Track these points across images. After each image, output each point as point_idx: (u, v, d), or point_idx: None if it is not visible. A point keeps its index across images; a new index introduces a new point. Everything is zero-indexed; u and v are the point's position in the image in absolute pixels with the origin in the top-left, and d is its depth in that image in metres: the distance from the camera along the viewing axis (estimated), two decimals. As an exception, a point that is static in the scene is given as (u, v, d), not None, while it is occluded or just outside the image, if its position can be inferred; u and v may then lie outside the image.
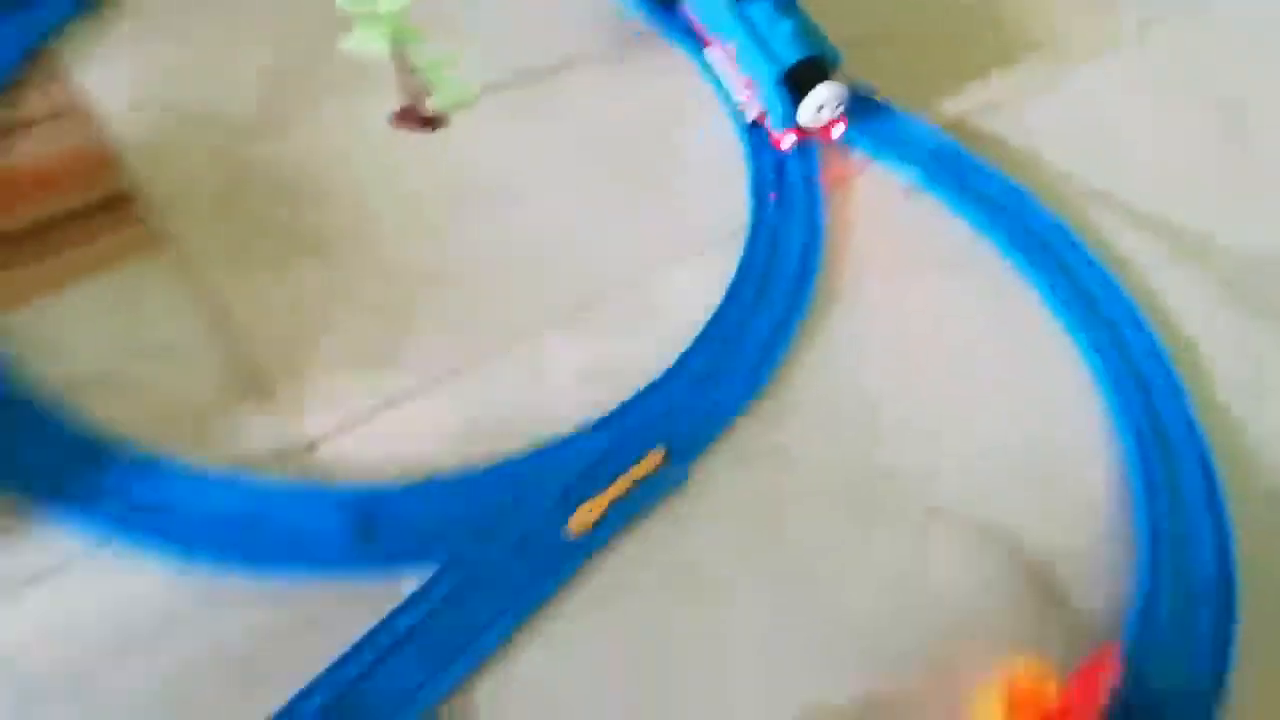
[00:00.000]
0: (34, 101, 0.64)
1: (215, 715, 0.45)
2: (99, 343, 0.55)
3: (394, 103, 0.66)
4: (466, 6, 0.74)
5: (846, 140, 0.68)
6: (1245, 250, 0.67)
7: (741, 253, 0.62)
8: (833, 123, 0.67)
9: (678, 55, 0.73)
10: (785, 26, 0.64)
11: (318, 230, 0.61)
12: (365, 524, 0.50)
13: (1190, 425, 0.57)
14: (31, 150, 0.62)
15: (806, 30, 0.65)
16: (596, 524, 0.51)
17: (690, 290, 0.61)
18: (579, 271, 0.61)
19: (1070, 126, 0.73)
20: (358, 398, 0.55)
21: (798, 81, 0.64)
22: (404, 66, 0.63)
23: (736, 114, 0.69)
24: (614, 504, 0.51)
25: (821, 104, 0.64)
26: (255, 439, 0.53)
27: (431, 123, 0.67)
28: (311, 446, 0.53)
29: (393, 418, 0.55)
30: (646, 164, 0.67)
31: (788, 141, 0.66)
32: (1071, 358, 0.61)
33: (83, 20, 0.69)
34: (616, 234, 0.64)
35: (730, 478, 0.54)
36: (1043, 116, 0.73)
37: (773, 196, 0.65)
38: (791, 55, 0.64)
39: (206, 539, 0.49)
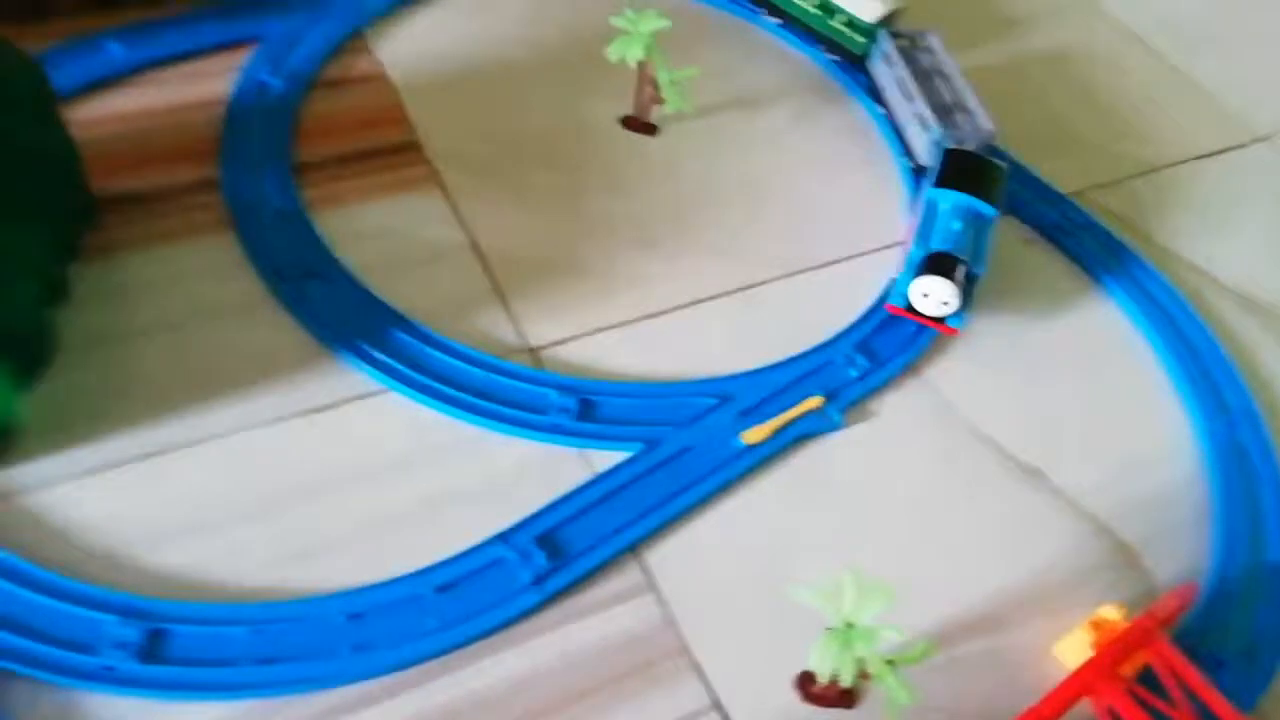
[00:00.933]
0: (353, 67, 0.82)
1: (453, 535, 0.57)
2: (389, 243, 0.70)
3: (627, 107, 0.82)
4: (704, 41, 0.90)
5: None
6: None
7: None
8: (941, 324, 0.70)
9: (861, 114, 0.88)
10: (956, 225, 0.69)
11: (553, 188, 0.76)
12: (584, 406, 0.63)
13: (1264, 442, 0.68)
14: (350, 102, 0.79)
15: (970, 239, 0.69)
16: (766, 440, 0.63)
17: (857, 279, 0.74)
18: (741, 252, 0.75)
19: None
20: (572, 318, 0.69)
21: (939, 270, 0.68)
22: (645, 77, 0.78)
23: (902, 164, 0.83)
24: (781, 429, 0.63)
25: (927, 292, 0.68)
26: (496, 334, 0.67)
27: (651, 129, 0.82)
28: (535, 349, 0.67)
29: (605, 338, 0.68)
30: (809, 196, 0.81)
31: (892, 310, 0.71)
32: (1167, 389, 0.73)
33: (396, 9, 0.86)
34: (782, 237, 0.77)
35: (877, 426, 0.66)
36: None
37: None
38: (938, 245, 0.69)
39: (460, 398, 0.62)
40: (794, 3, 0.91)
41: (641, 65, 0.77)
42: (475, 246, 0.72)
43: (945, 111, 0.81)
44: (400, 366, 0.63)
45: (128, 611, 0.51)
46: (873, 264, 0.76)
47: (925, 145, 0.80)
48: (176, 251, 0.67)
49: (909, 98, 0.82)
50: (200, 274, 0.66)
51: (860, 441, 0.66)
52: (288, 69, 0.79)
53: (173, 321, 0.64)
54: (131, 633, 0.50)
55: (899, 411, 0.68)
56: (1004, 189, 0.73)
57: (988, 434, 0.67)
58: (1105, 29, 1.04)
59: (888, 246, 0.77)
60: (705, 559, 0.59)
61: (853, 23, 0.87)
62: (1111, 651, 0.46)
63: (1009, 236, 0.80)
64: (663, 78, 0.77)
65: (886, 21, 0.87)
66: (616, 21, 0.75)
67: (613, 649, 0.55)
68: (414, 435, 0.61)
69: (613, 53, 0.76)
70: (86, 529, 0.54)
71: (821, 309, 0.72)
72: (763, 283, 0.73)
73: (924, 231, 0.70)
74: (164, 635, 0.50)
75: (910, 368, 0.70)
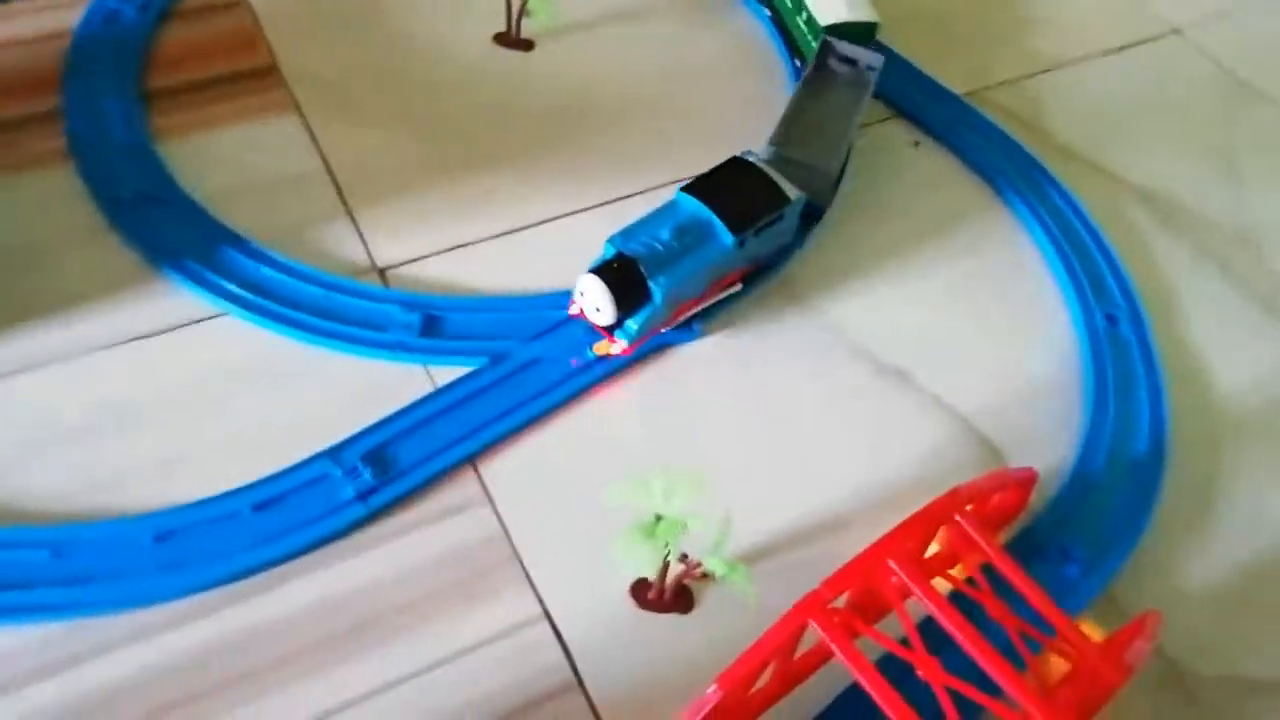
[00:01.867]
0: (209, -7, 0.79)
1: (286, 456, 0.55)
2: (241, 168, 0.68)
3: (497, 25, 0.79)
4: None
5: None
6: (1233, 227, 0.75)
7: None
8: (607, 333, 0.60)
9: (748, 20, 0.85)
10: (665, 234, 0.59)
11: (417, 112, 0.74)
12: (428, 323, 0.61)
13: (1145, 341, 0.65)
14: (208, 30, 0.76)
15: (674, 258, 0.59)
16: (611, 356, 0.61)
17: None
18: (616, 166, 0.73)
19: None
20: (425, 238, 0.67)
21: (605, 274, 0.58)
22: (507, -11, 0.76)
23: (791, 68, 0.80)
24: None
25: (584, 291, 0.59)
26: (345, 255, 0.65)
27: (527, 45, 0.79)
28: (383, 269, 0.65)
29: (451, 257, 0.66)
30: (692, 95, 0.78)
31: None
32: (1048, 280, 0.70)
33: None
34: (659, 142, 0.75)
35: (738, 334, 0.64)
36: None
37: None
38: (628, 246, 0.59)
39: (300, 319, 0.60)
40: None
41: (500, -24, 0.74)
42: (329, 170, 0.69)
43: None
44: (237, 289, 0.61)
45: (-73, 539, 0.49)
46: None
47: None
48: (8, 183, 0.65)
49: None
50: (36, 204, 0.64)
51: (720, 351, 0.63)
52: (141, -2, 0.76)
53: (9, 256, 0.62)
54: (-69, 559, 0.49)
55: (762, 319, 0.65)
56: (779, 220, 0.63)
57: (854, 338, 0.65)
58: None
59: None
60: (545, 473, 0.57)
61: (810, 22, 0.79)
62: (904, 528, 0.43)
63: (896, 139, 0.78)
64: (527, -8, 0.74)
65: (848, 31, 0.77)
66: (470, -70, 0.73)
67: (442, 562, 0.53)
68: (252, 358, 0.59)
69: (468, -36, 0.73)
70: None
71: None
72: (629, 196, 0.71)
73: (638, 225, 0.61)
74: (-36, 560, 0.49)
75: (778, 276, 0.67)
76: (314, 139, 0.71)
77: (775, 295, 0.67)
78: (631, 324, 0.59)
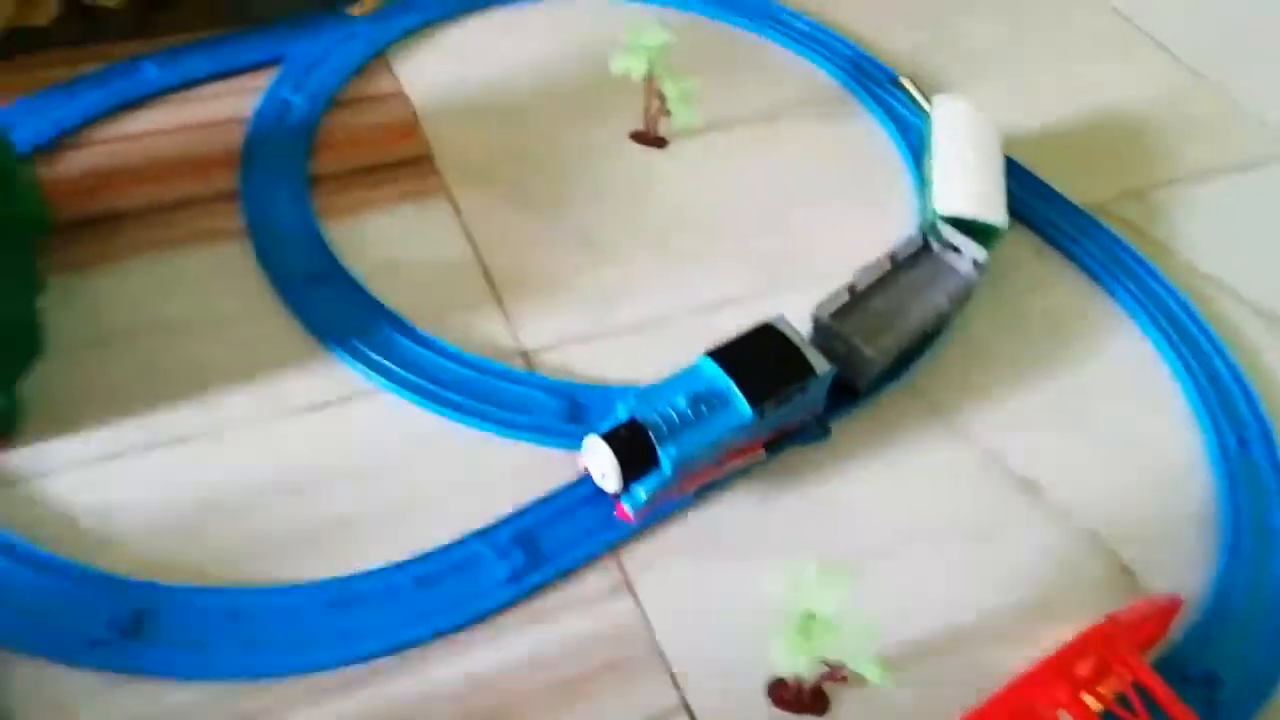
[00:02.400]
0: (373, 86, 0.85)
1: (438, 531, 0.58)
2: (396, 250, 0.72)
3: (636, 122, 0.83)
4: (720, 56, 0.91)
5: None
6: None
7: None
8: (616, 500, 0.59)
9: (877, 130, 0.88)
10: (681, 402, 0.58)
11: (558, 202, 0.78)
12: (573, 409, 0.64)
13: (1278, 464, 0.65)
14: (368, 119, 0.82)
15: (690, 429, 0.57)
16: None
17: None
18: (752, 265, 0.75)
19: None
20: (568, 325, 0.70)
21: (614, 439, 0.57)
22: (652, 91, 0.80)
23: (916, 175, 0.83)
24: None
25: (593, 451, 0.57)
26: (492, 338, 0.68)
27: (661, 143, 0.83)
28: (528, 354, 0.68)
29: (591, 345, 0.69)
30: (814, 208, 0.81)
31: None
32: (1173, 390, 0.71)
33: (417, 31, 0.90)
34: (780, 252, 0.77)
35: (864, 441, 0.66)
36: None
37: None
38: (642, 410, 0.58)
39: (452, 399, 0.64)
40: (930, 146, 0.80)
41: (648, 79, 0.78)
42: (479, 256, 0.73)
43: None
44: (394, 367, 0.65)
45: (117, 592, 0.53)
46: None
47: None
48: (191, 257, 0.70)
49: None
50: (211, 278, 0.69)
51: (850, 452, 0.65)
52: (309, 88, 0.82)
53: (181, 320, 0.67)
54: (120, 612, 0.52)
55: (893, 422, 0.67)
56: (801, 391, 0.61)
57: (985, 445, 0.66)
58: (1127, 33, 1.02)
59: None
60: (685, 563, 0.59)
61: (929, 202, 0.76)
62: (1065, 654, 0.44)
63: (1020, 246, 0.79)
64: (669, 91, 0.78)
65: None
66: (624, 35, 0.77)
67: (585, 648, 0.55)
68: (406, 434, 0.63)
69: (615, 66, 0.77)
70: (83, 514, 0.57)
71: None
72: (760, 296, 0.74)
73: (656, 388, 0.59)
74: (150, 615, 0.52)
75: (909, 381, 0.69)
76: (464, 225, 0.75)
77: (906, 398, 0.68)
78: (640, 491, 0.58)
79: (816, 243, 0.78)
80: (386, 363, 0.65)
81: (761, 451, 0.62)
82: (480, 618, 0.55)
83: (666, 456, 0.56)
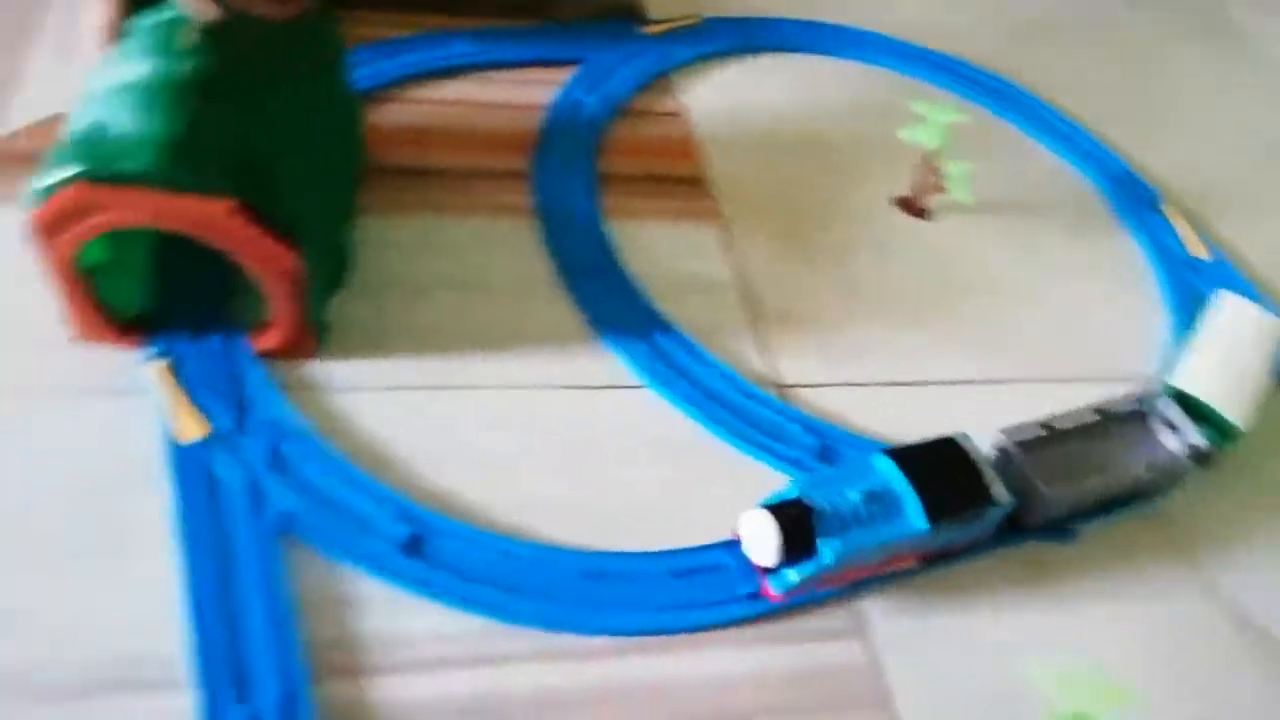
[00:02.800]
0: (657, 102, 0.89)
1: (682, 531, 0.60)
2: (666, 259, 0.76)
3: (903, 188, 0.86)
4: (989, 143, 0.93)
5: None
6: None
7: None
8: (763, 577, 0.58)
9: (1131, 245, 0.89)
10: (855, 496, 0.57)
11: (822, 247, 0.81)
12: (824, 449, 0.65)
13: None
14: (651, 132, 0.86)
15: (860, 524, 0.57)
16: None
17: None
18: (999, 350, 0.76)
19: None
20: (822, 368, 0.72)
21: (782, 515, 0.56)
22: (929, 165, 0.82)
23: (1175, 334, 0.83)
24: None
25: (756, 525, 0.56)
26: (747, 363, 0.71)
27: (924, 214, 0.85)
28: (781, 386, 0.70)
29: (844, 391, 0.71)
30: (1065, 310, 0.82)
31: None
32: None
33: (703, 60, 0.94)
34: (1036, 339, 0.78)
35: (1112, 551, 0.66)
36: None
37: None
38: (814, 496, 0.57)
39: (712, 410, 0.66)
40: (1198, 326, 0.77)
41: (930, 153, 0.81)
42: (742, 281, 0.76)
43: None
44: (661, 368, 0.67)
45: (401, 511, 0.56)
46: (1117, 392, 0.75)
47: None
48: (482, 224, 0.75)
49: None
50: (498, 247, 0.73)
51: (1091, 561, 0.65)
52: (602, 92, 0.87)
53: (470, 280, 0.71)
54: (401, 530, 0.55)
55: (1138, 545, 0.66)
56: (976, 518, 0.60)
57: (1229, 594, 0.65)
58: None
59: (1133, 380, 0.77)
60: (925, 621, 0.59)
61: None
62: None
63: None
64: (951, 168, 0.80)
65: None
66: (916, 107, 0.80)
67: (812, 680, 0.56)
68: (662, 432, 0.65)
69: (906, 135, 0.80)
70: (375, 432, 0.60)
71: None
72: (1011, 380, 0.74)
73: (829, 476, 0.59)
74: (426, 540, 0.55)
75: (1157, 506, 0.69)
76: (732, 251, 0.78)
77: (1151, 528, 0.68)
78: (792, 574, 0.57)
79: (1062, 344, 0.78)
80: (655, 362, 0.67)
81: (914, 564, 0.61)
82: (720, 625, 0.56)
83: (830, 549, 0.55)
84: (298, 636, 0.50)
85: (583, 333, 0.69)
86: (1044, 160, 0.96)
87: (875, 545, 0.57)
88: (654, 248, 0.76)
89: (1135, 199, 0.92)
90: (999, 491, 0.60)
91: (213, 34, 0.57)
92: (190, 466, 0.55)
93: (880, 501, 0.58)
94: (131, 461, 0.56)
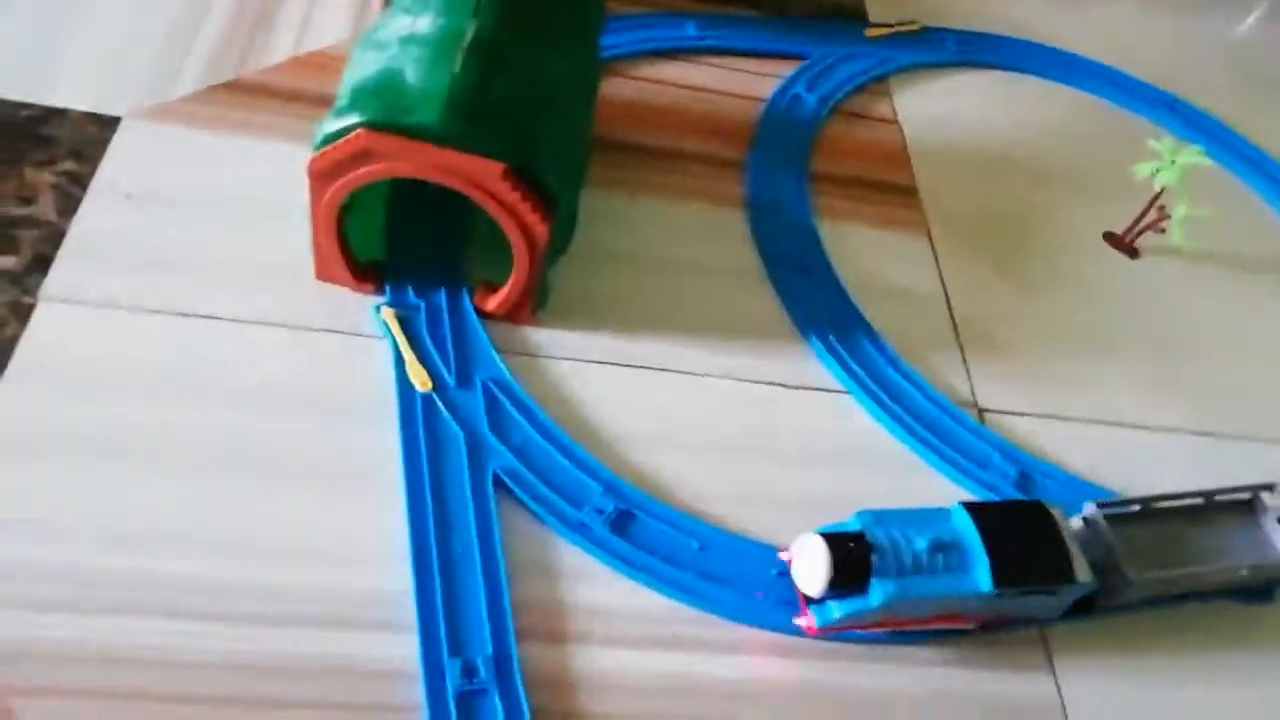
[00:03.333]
0: (872, 107, 0.88)
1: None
2: (874, 266, 0.75)
3: (1112, 224, 0.83)
4: (1206, 191, 0.88)
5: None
6: None
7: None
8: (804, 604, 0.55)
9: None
10: (923, 544, 0.53)
11: (1029, 274, 0.79)
12: (1022, 478, 0.64)
13: None
14: (865, 135, 0.86)
15: (919, 570, 0.53)
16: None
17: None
18: (1201, 402, 0.74)
19: None
20: (1024, 396, 0.70)
21: (837, 545, 0.53)
22: (1156, 204, 0.79)
23: None
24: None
25: (808, 553, 0.53)
26: (949, 381, 0.70)
27: (1135, 252, 0.83)
28: (982, 410, 0.69)
29: (1044, 423, 0.69)
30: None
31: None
32: None
33: (922, 67, 0.93)
34: (1247, 400, 0.75)
35: None
36: None
37: None
38: (878, 533, 0.53)
39: (915, 427, 0.65)
40: None
41: (1160, 192, 0.78)
42: (947, 298, 0.75)
43: None
44: (865, 377, 0.67)
45: (610, 487, 0.57)
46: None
47: None
48: (693, 210, 0.75)
49: None
50: (710, 234, 0.74)
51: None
52: (821, 91, 0.86)
53: (681, 262, 0.72)
54: (609, 505, 0.56)
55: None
56: (1052, 593, 0.55)
57: None
58: None
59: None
60: (1112, 670, 0.58)
61: None
62: None
63: None
64: (1179, 211, 0.77)
65: None
66: (1154, 144, 0.77)
67: (996, 708, 0.56)
68: (862, 440, 0.65)
69: (1140, 170, 0.77)
70: (585, 402, 0.62)
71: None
72: (1213, 434, 0.72)
73: (898, 514, 0.55)
74: (633, 519, 0.57)
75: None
76: (938, 266, 0.77)
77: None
78: (835, 609, 0.54)
79: (1269, 404, 0.75)
80: (859, 369, 0.67)
81: (975, 627, 0.57)
82: (917, 639, 0.56)
83: (881, 591, 0.52)
84: (510, 597, 0.52)
85: (788, 330, 0.70)
86: (1261, 215, 0.92)
87: (931, 598, 0.53)
88: (861, 252, 0.76)
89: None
90: (1082, 569, 0.55)
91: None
92: (417, 416, 0.58)
93: (947, 553, 0.54)
94: (363, 400, 0.59)
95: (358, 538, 0.53)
